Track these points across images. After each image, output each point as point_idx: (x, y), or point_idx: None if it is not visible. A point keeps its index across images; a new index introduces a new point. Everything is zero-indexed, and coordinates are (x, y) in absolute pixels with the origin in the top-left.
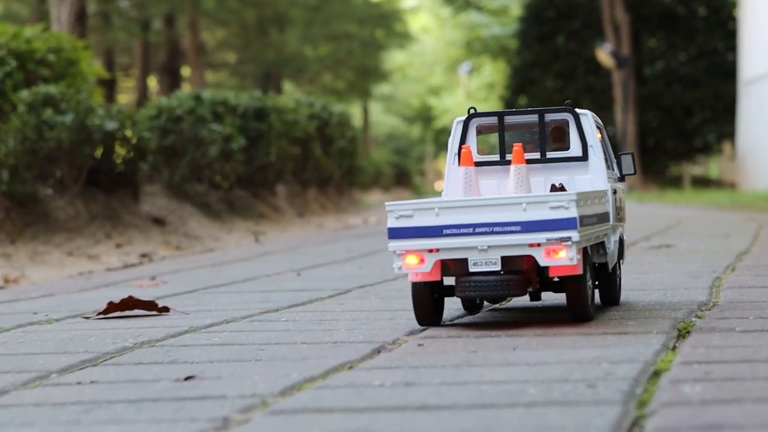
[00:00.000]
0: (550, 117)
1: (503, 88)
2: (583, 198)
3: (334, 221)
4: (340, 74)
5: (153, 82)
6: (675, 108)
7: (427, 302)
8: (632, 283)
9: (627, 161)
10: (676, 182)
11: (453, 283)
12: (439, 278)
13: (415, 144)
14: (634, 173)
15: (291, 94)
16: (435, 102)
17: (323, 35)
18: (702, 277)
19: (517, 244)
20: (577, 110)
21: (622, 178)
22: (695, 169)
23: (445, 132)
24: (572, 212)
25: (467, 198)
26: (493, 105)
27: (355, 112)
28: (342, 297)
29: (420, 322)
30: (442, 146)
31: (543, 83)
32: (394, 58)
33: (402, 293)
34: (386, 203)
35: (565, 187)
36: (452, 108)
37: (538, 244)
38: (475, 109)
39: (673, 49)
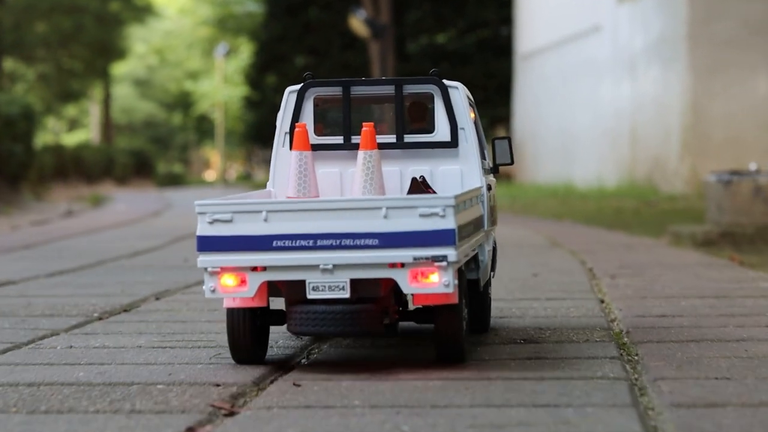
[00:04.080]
0: (410, 89)
1: (249, 67)
2: (461, 201)
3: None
4: (73, 52)
5: None
6: None
7: (247, 334)
8: None
9: (502, 147)
10: None
11: (283, 309)
12: (264, 304)
13: (176, 132)
14: (512, 163)
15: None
16: (192, 87)
17: (48, 5)
18: None
19: (373, 263)
20: (446, 81)
21: (495, 170)
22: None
23: (205, 120)
24: (449, 222)
25: (307, 200)
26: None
27: (98, 95)
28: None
29: (237, 359)
30: (205, 134)
31: (292, 60)
32: (150, 38)
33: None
34: (196, 202)
35: (427, 181)
36: (209, 93)
37: (402, 264)
38: (312, 76)
39: (440, 22)
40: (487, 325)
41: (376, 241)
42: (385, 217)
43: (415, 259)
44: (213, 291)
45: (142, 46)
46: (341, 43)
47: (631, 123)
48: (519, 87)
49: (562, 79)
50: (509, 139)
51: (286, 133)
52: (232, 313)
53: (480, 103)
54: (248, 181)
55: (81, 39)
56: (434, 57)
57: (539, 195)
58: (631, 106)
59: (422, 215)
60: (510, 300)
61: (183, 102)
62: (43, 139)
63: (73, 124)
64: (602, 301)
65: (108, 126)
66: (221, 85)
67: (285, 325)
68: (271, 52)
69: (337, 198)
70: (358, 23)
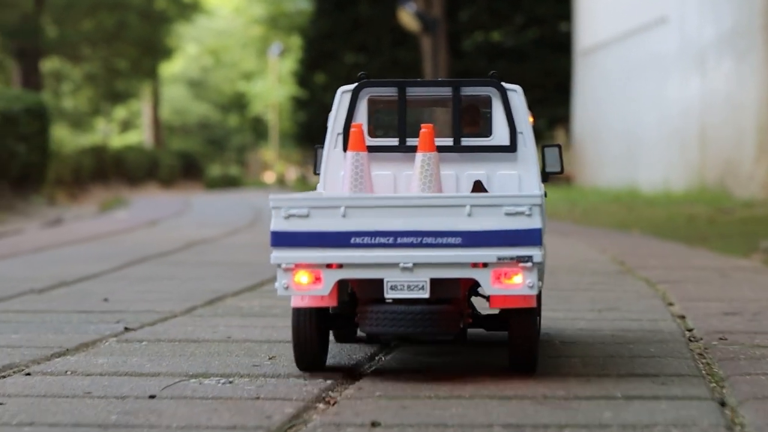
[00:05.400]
0: (467, 91)
1: (297, 63)
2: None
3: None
4: (119, 51)
5: None
6: None
7: (314, 338)
8: None
9: (552, 155)
10: None
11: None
12: (336, 304)
13: (232, 133)
14: (561, 172)
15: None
16: (245, 87)
17: (90, 2)
18: None
19: (455, 262)
20: (505, 84)
21: (545, 178)
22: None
23: (261, 121)
24: (535, 221)
25: (388, 195)
26: None
27: (148, 96)
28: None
29: (301, 365)
30: (261, 135)
31: (342, 57)
32: (203, 38)
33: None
34: (271, 196)
35: (484, 185)
36: (263, 94)
37: (485, 264)
38: (366, 76)
39: (496, 18)
40: (539, 330)
41: (459, 240)
42: (469, 215)
43: (499, 258)
44: (286, 288)
45: (194, 47)
46: (392, 40)
47: (700, 122)
48: (579, 85)
49: (624, 75)
50: (560, 147)
51: (339, 134)
52: (300, 313)
53: (538, 103)
54: (303, 183)
55: (126, 37)
56: (490, 54)
57: (601, 200)
58: (700, 105)
59: (508, 214)
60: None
61: (238, 103)
62: (91, 140)
63: (126, 126)
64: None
65: (157, 127)
66: (275, 86)
67: (358, 331)
68: (320, 50)
69: (420, 195)
70: (407, 17)
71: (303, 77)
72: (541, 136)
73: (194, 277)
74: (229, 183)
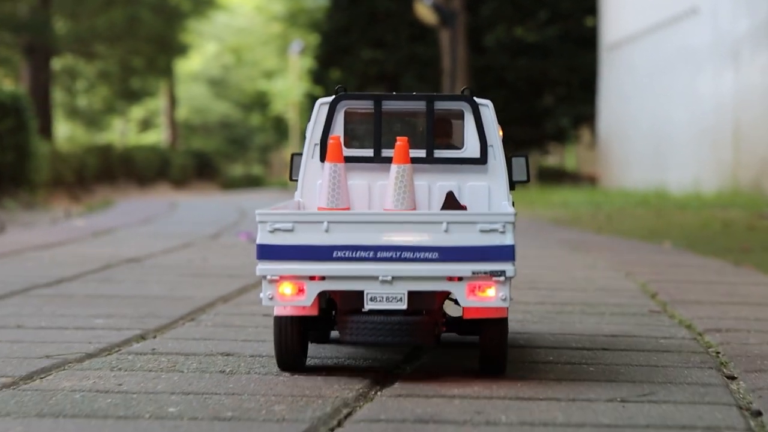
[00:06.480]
0: (440, 105)
1: (312, 59)
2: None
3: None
4: (133, 47)
5: None
6: (520, 84)
7: (296, 342)
8: None
9: (519, 165)
10: None
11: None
12: (316, 313)
13: (254, 133)
14: (528, 181)
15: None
16: (266, 86)
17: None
18: None
19: (432, 276)
20: (477, 99)
21: (512, 186)
22: (546, 161)
23: (281, 120)
24: (508, 238)
25: (369, 212)
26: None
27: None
28: None
29: (282, 366)
30: (282, 134)
31: (358, 53)
32: (223, 37)
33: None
34: (257, 211)
35: (455, 195)
36: (283, 92)
37: (460, 278)
38: (344, 89)
39: (519, 12)
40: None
41: (435, 255)
42: (446, 231)
43: (474, 273)
44: (271, 299)
45: (215, 45)
46: (409, 34)
47: (734, 119)
48: (604, 82)
49: (653, 71)
50: (526, 157)
51: (316, 144)
52: (281, 321)
53: (562, 100)
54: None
55: (139, 33)
56: (512, 50)
57: (627, 202)
58: (734, 101)
59: (482, 231)
60: None
61: (259, 102)
62: (107, 139)
63: (146, 125)
64: None
65: (173, 126)
66: (295, 84)
67: (337, 338)
68: (336, 45)
69: (399, 211)
70: (424, 9)
71: (318, 74)
72: (565, 135)
73: (48, 326)
74: (249, 183)
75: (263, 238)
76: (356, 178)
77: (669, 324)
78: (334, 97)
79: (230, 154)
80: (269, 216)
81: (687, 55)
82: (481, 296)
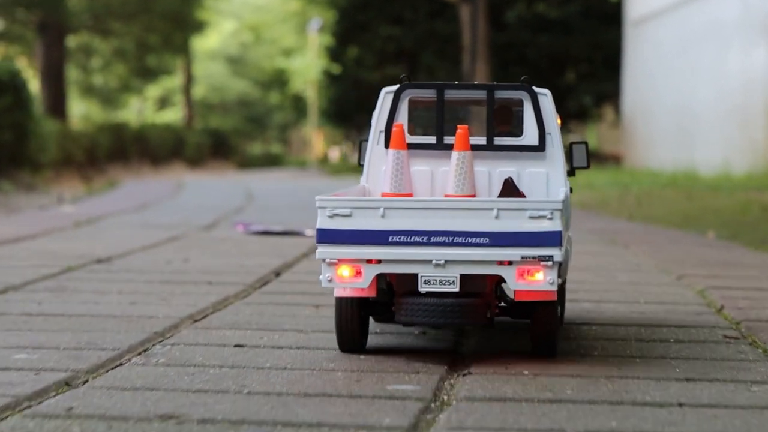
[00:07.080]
0: (500, 94)
1: (330, 36)
2: (564, 206)
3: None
4: (150, 25)
5: None
6: (542, 61)
7: (355, 324)
8: None
9: (580, 151)
10: None
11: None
12: (374, 295)
13: (274, 111)
14: (588, 167)
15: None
16: (284, 63)
17: None
18: None
19: (483, 260)
20: (535, 89)
21: (572, 172)
22: (569, 139)
23: (300, 99)
24: (556, 224)
25: (423, 198)
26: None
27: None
28: None
29: (343, 347)
30: (301, 113)
31: (376, 30)
32: (242, 15)
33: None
34: (317, 197)
35: (514, 181)
36: (302, 70)
37: (510, 262)
38: (408, 78)
39: None
40: (562, 318)
41: (486, 240)
42: (497, 217)
43: (522, 257)
44: (330, 281)
45: (233, 23)
46: (428, 10)
47: (765, 97)
48: (629, 58)
49: (680, 47)
50: (586, 144)
51: (381, 131)
52: (342, 302)
53: (584, 78)
54: (344, 163)
55: (154, 9)
56: (533, 27)
57: (655, 184)
58: (765, 77)
59: (531, 217)
60: None
61: (278, 80)
62: (125, 117)
63: (164, 103)
64: None
65: (189, 104)
66: (314, 62)
67: (392, 320)
68: (353, 22)
69: (452, 198)
70: None
71: (336, 51)
72: (587, 113)
73: None
74: (269, 162)
75: (323, 222)
76: (419, 164)
77: (754, 357)
78: (398, 86)
79: (249, 132)
80: (328, 202)
81: (715, 31)
82: (530, 280)
